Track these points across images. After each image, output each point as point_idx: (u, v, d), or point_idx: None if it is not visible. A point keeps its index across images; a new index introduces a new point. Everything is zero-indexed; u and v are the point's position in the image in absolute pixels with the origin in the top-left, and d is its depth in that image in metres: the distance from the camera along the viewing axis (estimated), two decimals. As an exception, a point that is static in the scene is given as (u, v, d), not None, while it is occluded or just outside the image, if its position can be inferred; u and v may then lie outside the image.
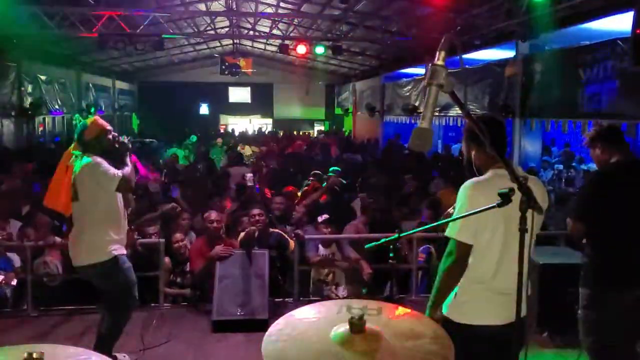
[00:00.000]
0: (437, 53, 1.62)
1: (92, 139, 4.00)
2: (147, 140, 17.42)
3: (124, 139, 4.22)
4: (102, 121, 4.15)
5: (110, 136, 4.08)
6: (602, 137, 3.53)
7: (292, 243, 5.69)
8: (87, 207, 3.96)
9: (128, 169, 4.08)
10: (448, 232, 2.61)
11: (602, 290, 3.34)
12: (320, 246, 5.98)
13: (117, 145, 4.10)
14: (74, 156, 4.03)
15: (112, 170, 3.95)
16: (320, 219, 6.06)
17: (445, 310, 2.68)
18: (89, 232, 3.97)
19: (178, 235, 5.82)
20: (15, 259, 5.66)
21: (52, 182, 4.20)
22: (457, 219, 2.52)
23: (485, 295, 2.61)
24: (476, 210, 2.32)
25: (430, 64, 1.61)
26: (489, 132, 1.99)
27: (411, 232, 3.83)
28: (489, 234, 2.56)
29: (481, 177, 2.66)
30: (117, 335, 4.12)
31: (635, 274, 3.31)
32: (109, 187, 3.92)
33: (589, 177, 3.74)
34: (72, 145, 4.10)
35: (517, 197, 2.05)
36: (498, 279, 2.58)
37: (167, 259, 5.71)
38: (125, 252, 4.13)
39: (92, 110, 15.89)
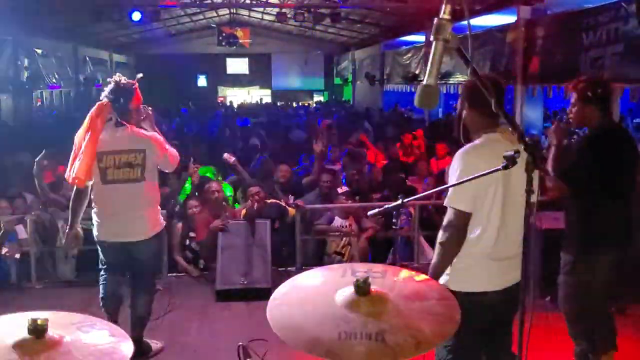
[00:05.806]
0: (443, 6, 1.57)
1: (135, 108, 3.79)
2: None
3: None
4: None
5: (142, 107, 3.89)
6: (602, 99, 3.24)
7: (291, 210, 5.69)
8: (148, 186, 3.74)
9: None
10: (446, 202, 2.54)
11: (584, 255, 3.26)
12: (337, 217, 5.94)
13: (143, 117, 3.87)
14: (109, 120, 3.70)
15: (173, 150, 3.88)
16: (340, 190, 6.09)
17: (443, 279, 2.59)
18: (148, 209, 3.76)
19: (192, 202, 5.78)
20: (20, 231, 5.63)
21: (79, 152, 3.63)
22: (455, 185, 2.45)
23: (484, 262, 2.55)
24: (478, 174, 2.28)
25: (435, 19, 1.56)
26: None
27: (414, 197, 3.78)
28: (489, 201, 2.49)
29: (477, 142, 2.59)
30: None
31: (615, 237, 3.26)
32: (169, 168, 3.86)
33: (585, 141, 3.41)
34: (96, 109, 3.67)
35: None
36: (498, 246, 2.54)
37: (179, 225, 5.71)
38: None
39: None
